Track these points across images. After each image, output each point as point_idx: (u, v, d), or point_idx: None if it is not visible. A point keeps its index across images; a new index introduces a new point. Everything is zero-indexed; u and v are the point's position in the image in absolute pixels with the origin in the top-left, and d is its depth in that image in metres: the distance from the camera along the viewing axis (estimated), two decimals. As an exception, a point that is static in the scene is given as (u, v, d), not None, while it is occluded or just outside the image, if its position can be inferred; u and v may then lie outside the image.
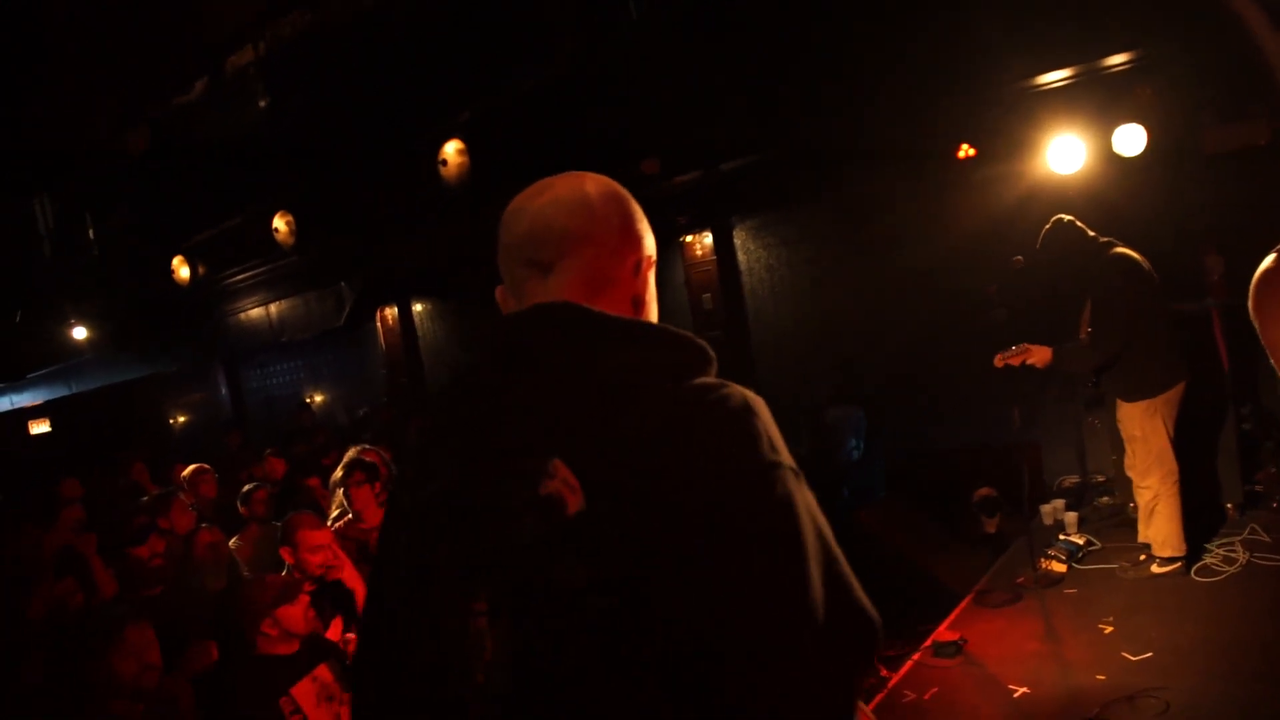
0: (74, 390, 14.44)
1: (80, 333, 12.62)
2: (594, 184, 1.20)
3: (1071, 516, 5.25)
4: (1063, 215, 4.46)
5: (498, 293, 1.25)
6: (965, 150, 5.64)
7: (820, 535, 1.02)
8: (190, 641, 3.70)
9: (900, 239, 6.51)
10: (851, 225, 6.93)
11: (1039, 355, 4.40)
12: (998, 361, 4.48)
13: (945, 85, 5.41)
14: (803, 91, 5.89)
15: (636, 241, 1.21)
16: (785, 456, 1.04)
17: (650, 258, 1.24)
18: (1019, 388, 5.16)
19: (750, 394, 1.06)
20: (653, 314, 1.25)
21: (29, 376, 14.71)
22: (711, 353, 1.11)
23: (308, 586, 3.23)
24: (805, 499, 1.03)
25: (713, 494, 0.98)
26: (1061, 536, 5.04)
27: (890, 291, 6.65)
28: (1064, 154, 5.25)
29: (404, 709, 1.12)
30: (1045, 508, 5.46)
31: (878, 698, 3.82)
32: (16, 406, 15.96)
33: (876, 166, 6.08)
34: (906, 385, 6.66)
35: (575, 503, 1.01)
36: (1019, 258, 4.96)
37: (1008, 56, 5.09)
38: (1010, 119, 5.35)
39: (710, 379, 1.07)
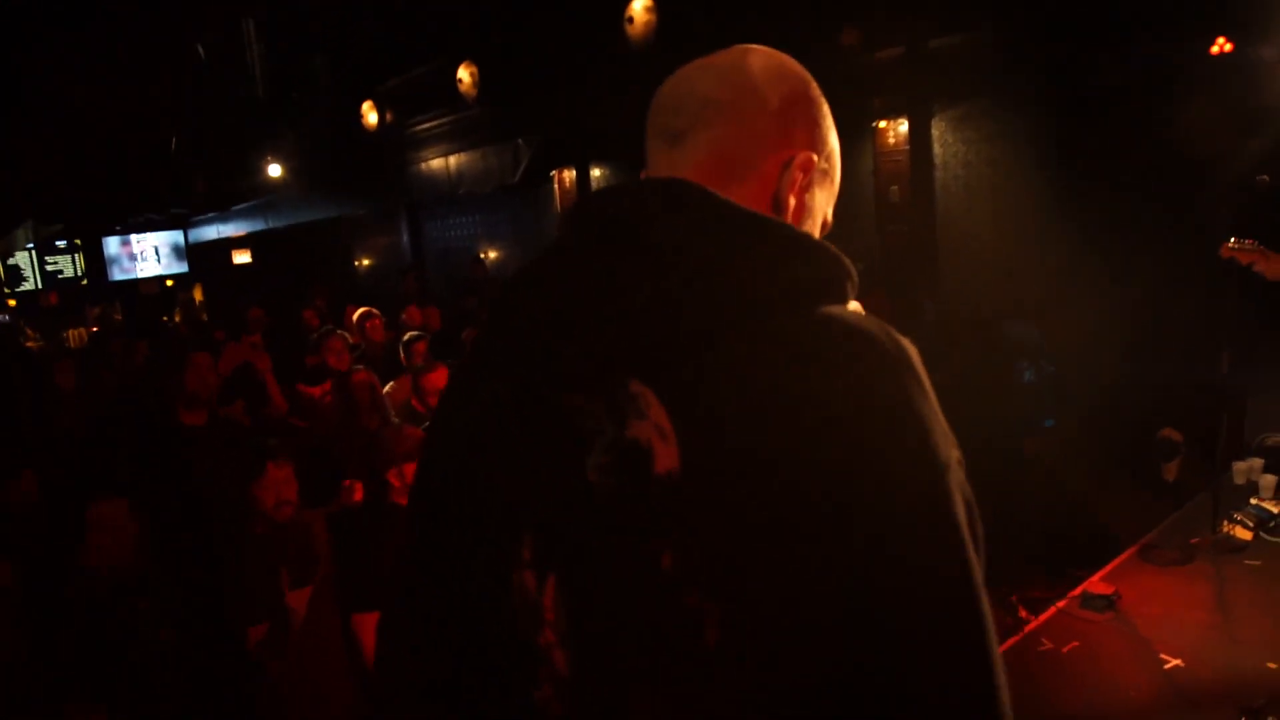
0: (271, 225, 15.46)
1: (275, 170, 13.35)
2: (762, 55, 0.97)
3: (1269, 480, 4.69)
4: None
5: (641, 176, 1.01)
6: (1220, 44, 4.88)
7: (970, 572, 0.77)
8: (341, 476, 3.92)
9: (1123, 143, 5.80)
10: (1073, 125, 6.19)
11: (1273, 266, 3.87)
12: (1224, 251, 3.97)
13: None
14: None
15: (796, 132, 0.95)
16: (948, 445, 0.79)
17: (811, 159, 0.96)
18: (1237, 327, 4.57)
19: (905, 341, 0.82)
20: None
21: (234, 209, 15.82)
22: (853, 270, 0.86)
23: None
24: (974, 514, 0.79)
25: (852, 485, 0.74)
26: (1253, 500, 4.52)
27: (1103, 203, 5.97)
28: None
29: (433, 670, 0.94)
30: (1239, 465, 4.90)
31: (1011, 640, 3.59)
32: (223, 236, 17.34)
33: (1110, 55, 5.38)
34: (1102, 305, 6.06)
35: (667, 459, 0.77)
36: (1265, 177, 4.29)
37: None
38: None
39: (853, 312, 0.83)
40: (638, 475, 0.78)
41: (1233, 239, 3.97)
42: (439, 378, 3.70)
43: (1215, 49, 4.92)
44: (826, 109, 0.99)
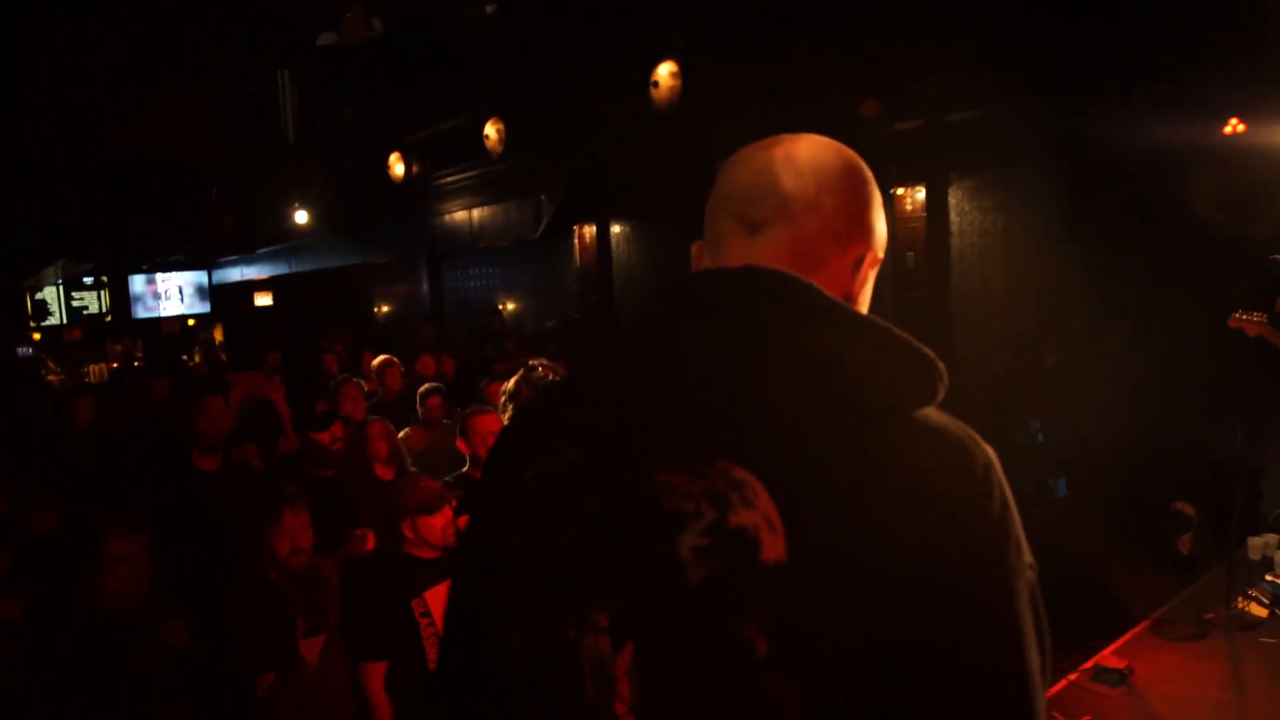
0: (294, 269, 15.67)
1: (302, 216, 13.58)
2: (838, 152, 1.01)
3: (1286, 556, 4.65)
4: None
5: (694, 249, 1.07)
6: (1233, 125, 4.95)
7: (1040, 630, 0.85)
8: (353, 525, 3.93)
9: (1136, 217, 5.86)
10: (1084, 196, 6.27)
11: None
12: (1231, 321, 4.12)
13: (1222, 46, 4.75)
14: (1045, 44, 5.34)
15: (868, 232, 1.01)
16: (1026, 550, 0.86)
17: (878, 256, 1.03)
18: (1251, 401, 4.57)
19: (992, 452, 0.87)
20: None
21: (258, 252, 16.06)
22: (944, 371, 0.90)
23: (454, 502, 3.30)
24: (1040, 613, 0.86)
25: (941, 585, 0.80)
26: (1269, 577, 4.47)
27: (1114, 274, 6.01)
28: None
29: None
30: (1255, 540, 4.85)
31: (1021, 712, 3.54)
32: (246, 278, 17.57)
33: (1123, 132, 5.45)
34: (1116, 377, 6.06)
35: (774, 549, 0.81)
36: (1278, 256, 4.33)
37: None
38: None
39: (947, 418, 0.88)
40: (742, 561, 0.81)
41: (1235, 314, 4.02)
42: (490, 421, 3.78)
43: (1228, 129, 4.98)
44: (880, 199, 1.04)
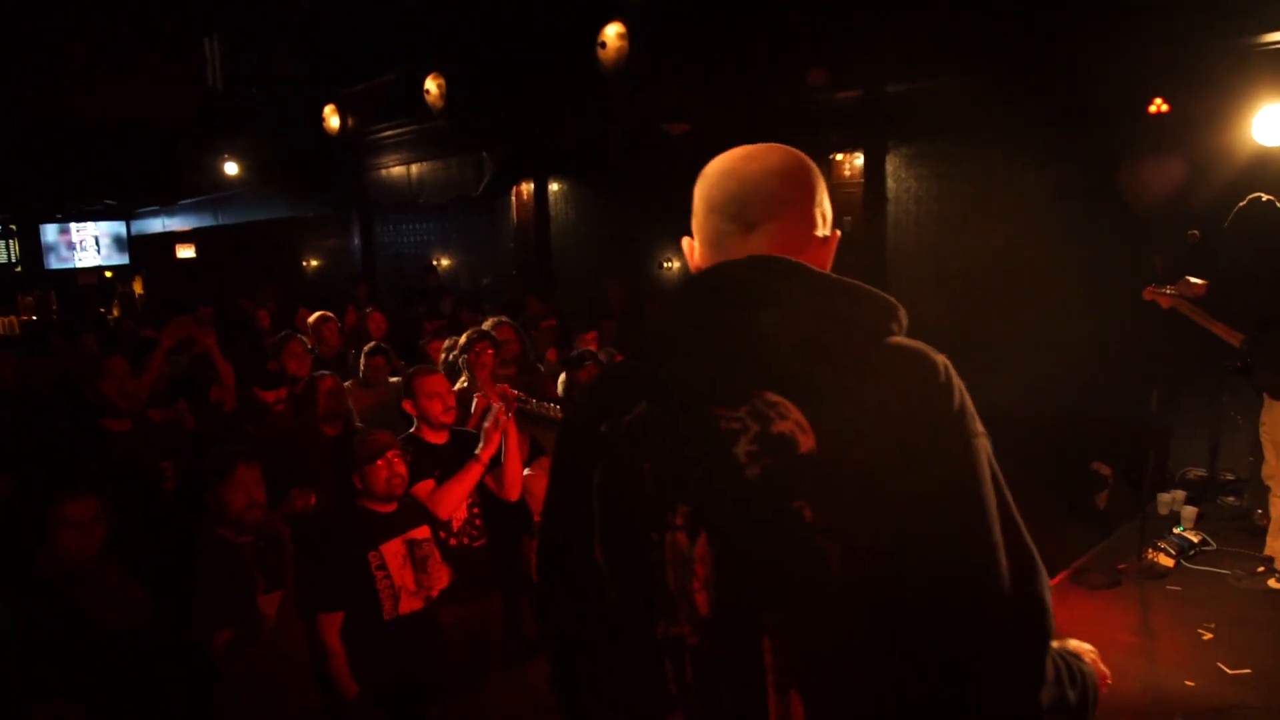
0: (220, 221, 15.19)
1: (231, 168, 13.15)
2: (800, 159, 1.31)
3: (1190, 511, 4.98)
4: (1261, 194, 4.08)
5: (684, 244, 1.37)
6: (1158, 105, 5.15)
7: (1003, 500, 1.13)
8: (300, 482, 3.91)
9: (1065, 191, 6.09)
10: (1017, 168, 6.47)
11: (1194, 287, 4.17)
12: (1145, 294, 4.33)
13: (1146, 27, 4.93)
14: (985, 18, 5.48)
15: (826, 217, 1.32)
16: (977, 422, 1.15)
17: (836, 232, 1.35)
18: (1164, 367, 4.84)
19: (944, 359, 1.17)
20: None
21: (180, 203, 15.52)
22: (901, 309, 1.21)
23: (392, 453, 3.32)
24: (994, 465, 1.14)
25: (919, 454, 1.09)
26: (1176, 530, 4.80)
27: (1043, 244, 6.24)
28: (1271, 125, 4.74)
29: (594, 624, 1.26)
30: (1164, 496, 5.19)
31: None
32: (167, 229, 16.98)
33: (1056, 109, 5.64)
34: (1040, 344, 6.32)
35: (807, 443, 1.10)
36: (1195, 232, 4.56)
37: (1228, 3, 4.59)
38: (1216, 78, 4.85)
39: (909, 340, 1.18)
40: (786, 456, 1.11)
41: (1149, 287, 4.24)
42: (436, 382, 3.75)
43: (1153, 108, 5.18)
44: (825, 185, 1.34)
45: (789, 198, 1.27)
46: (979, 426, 1.14)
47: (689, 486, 1.15)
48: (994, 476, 1.14)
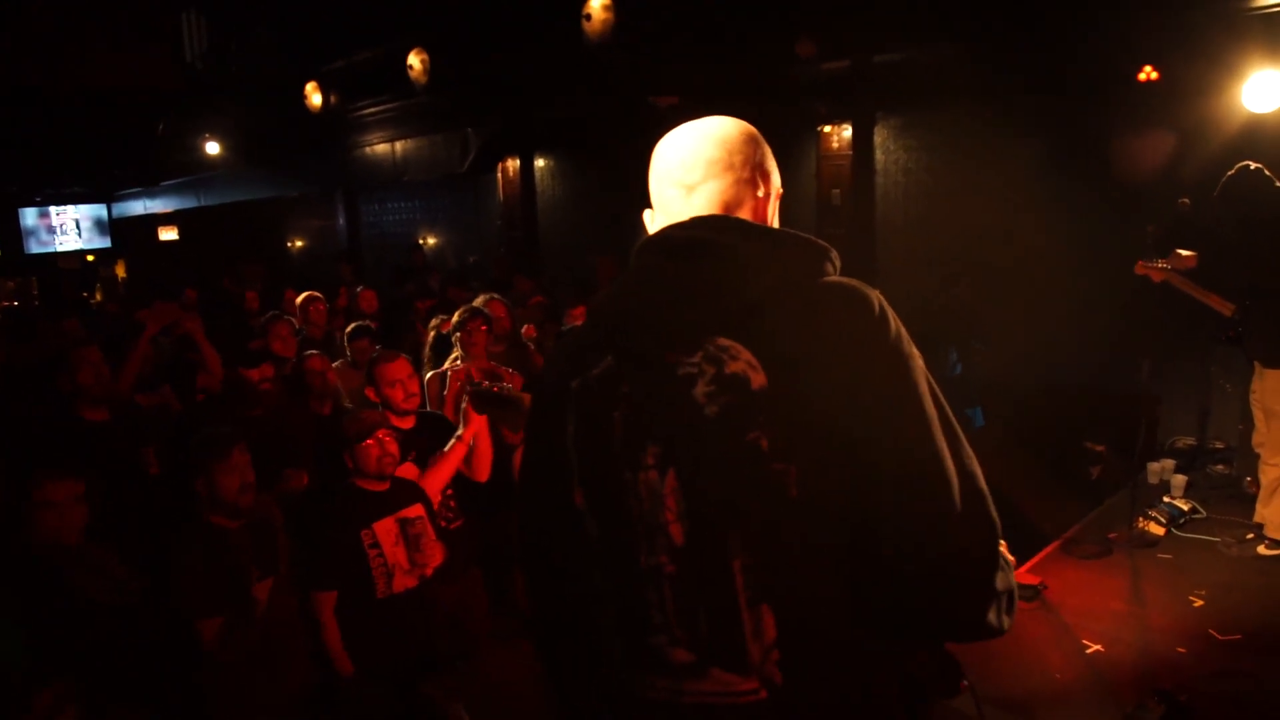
0: (202, 203, 15.01)
1: (213, 148, 12.98)
2: (739, 125, 1.42)
3: (1180, 479, 5.00)
4: (1250, 162, 4.05)
5: (644, 216, 1.47)
6: (1148, 73, 5.12)
7: (944, 414, 1.23)
8: (291, 463, 3.88)
9: (1054, 160, 6.06)
10: (1006, 138, 6.43)
11: (1184, 259, 4.16)
12: (1137, 268, 4.31)
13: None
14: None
15: (765, 176, 1.42)
16: (913, 346, 1.25)
17: (778, 191, 1.44)
18: (1154, 337, 4.85)
19: (877, 292, 1.26)
20: None
21: (162, 184, 15.33)
22: (834, 251, 1.31)
23: (382, 432, 3.29)
24: (932, 383, 1.24)
25: (860, 377, 1.19)
26: (1166, 498, 4.82)
27: (1032, 214, 6.22)
28: (1263, 91, 4.71)
29: (572, 564, 1.36)
30: (1154, 465, 5.21)
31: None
32: (150, 211, 16.78)
33: (1045, 78, 5.60)
34: (1030, 313, 6.32)
35: (759, 380, 1.21)
36: (1185, 200, 4.55)
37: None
38: (1206, 44, 4.82)
39: (841, 277, 1.29)
40: (741, 393, 1.21)
41: (1141, 262, 4.23)
42: (397, 368, 3.71)
43: (1143, 76, 5.14)
44: (771, 152, 1.44)
45: (724, 160, 1.37)
46: (914, 350, 1.24)
47: (656, 429, 1.26)
48: (933, 392, 1.23)
